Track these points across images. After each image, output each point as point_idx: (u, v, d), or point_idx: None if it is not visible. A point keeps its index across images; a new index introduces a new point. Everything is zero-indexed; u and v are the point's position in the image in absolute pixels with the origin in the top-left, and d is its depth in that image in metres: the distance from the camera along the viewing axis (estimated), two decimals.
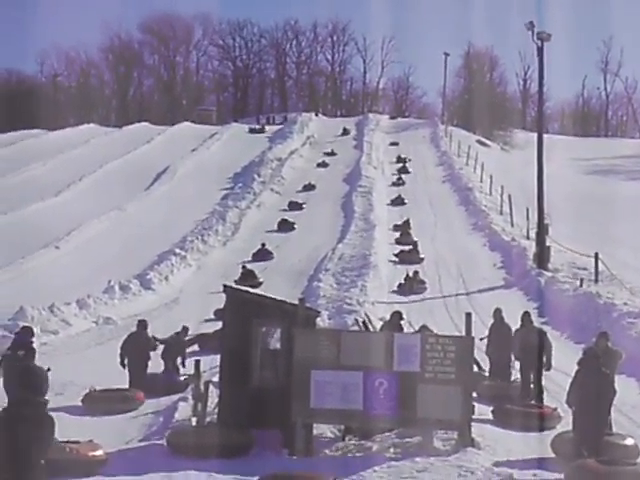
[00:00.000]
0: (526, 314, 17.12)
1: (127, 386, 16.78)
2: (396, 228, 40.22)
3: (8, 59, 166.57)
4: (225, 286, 14.28)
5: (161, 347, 18.16)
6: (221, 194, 49.19)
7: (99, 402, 15.46)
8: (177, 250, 35.62)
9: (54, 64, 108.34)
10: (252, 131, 75.22)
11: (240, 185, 50.89)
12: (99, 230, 40.65)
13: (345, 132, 74.36)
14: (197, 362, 14.62)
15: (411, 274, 30.15)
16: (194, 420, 13.52)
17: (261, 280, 30.54)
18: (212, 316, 24.32)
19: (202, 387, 13.80)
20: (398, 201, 47.47)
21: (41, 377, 6.80)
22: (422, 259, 33.78)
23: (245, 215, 44.01)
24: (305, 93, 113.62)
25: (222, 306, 15.59)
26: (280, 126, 78.13)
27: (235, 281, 29.96)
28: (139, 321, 18.31)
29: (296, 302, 13.67)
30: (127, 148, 62.12)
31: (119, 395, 16.04)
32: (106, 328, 25.04)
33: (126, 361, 17.23)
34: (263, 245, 36.00)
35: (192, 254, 35.93)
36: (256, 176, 52.39)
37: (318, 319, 16.08)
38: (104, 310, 26.54)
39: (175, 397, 15.84)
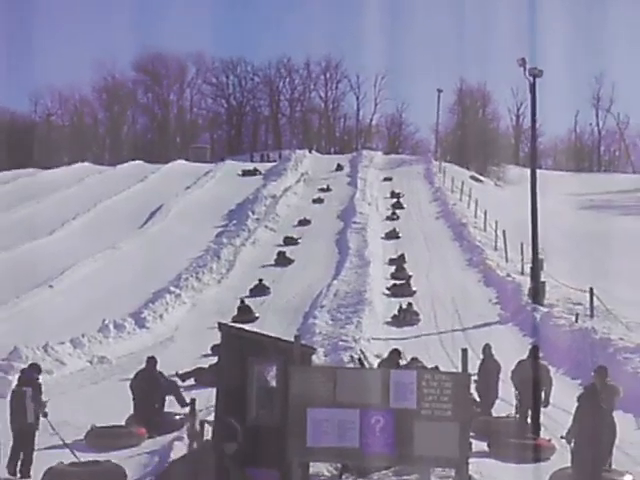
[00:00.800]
0: (535, 348, 17.17)
1: (128, 422, 16.79)
2: (391, 262, 40.68)
3: (2, 98, 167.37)
4: (220, 324, 14.25)
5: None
6: (215, 231, 49.24)
7: (102, 438, 15.43)
8: (172, 288, 35.62)
9: (48, 103, 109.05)
10: (245, 173, 71.56)
11: (234, 222, 50.95)
12: (93, 269, 40.64)
13: (339, 168, 74.81)
14: (192, 401, 14.58)
15: (405, 306, 30.35)
16: (190, 460, 13.42)
17: (257, 315, 31.15)
18: (209, 352, 24.34)
19: (198, 426, 13.75)
20: (392, 234, 47.84)
21: None
22: (414, 292, 34.22)
23: (240, 252, 44.05)
24: (299, 130, 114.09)
25: (218, 342, 15.61)
26: (274, 163, 78.33)
27: (233, 317, 30.73)
28: (148, 358, 18.32)
29: (292, 339, 13.66)
30: (121, 186, 62.25)
31: (121, 431, 15.98)
32: (101, 367, 24.99)
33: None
34: (260, 280, 36.31)
35: (187, 292, 35.93)
36: (250, 213, 52.48)
37: (314, 356, 16.07)
38: (99, 349, 26.50)
39: (170, 436, 15.81)
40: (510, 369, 17.16)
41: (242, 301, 32.53)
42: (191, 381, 22.41)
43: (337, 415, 12.40)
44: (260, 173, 70.98)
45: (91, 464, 13.70)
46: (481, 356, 18.26)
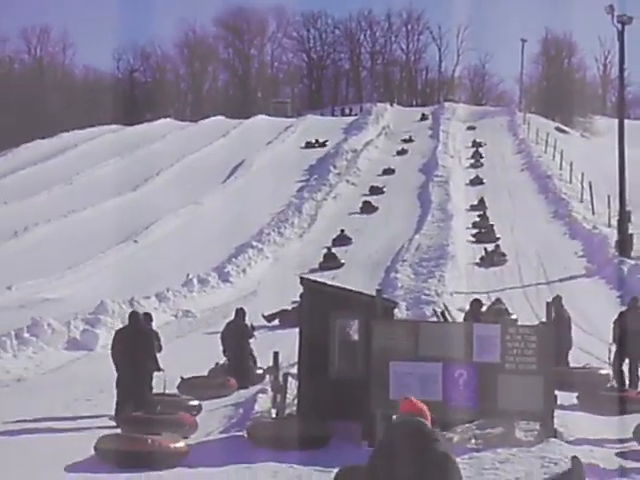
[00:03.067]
0: (635, 299, 16.88)
1: (212, 373, 17.12)
2: (473, 208, 41.67)
3: (86, 56, 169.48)
4: (302, 278, 14.30)
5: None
6: (297, 186, 49.39)
7: (195, 388, 15.72)
8: (254, 243, 35.91)
9: (130, 60, 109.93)
10: (308, 145, 62.81)
11: (316, 177, 51.02)
12: (177, 224, 41.16)
13: (423, 117, 75.31)
14: (275, 354, 14.70)
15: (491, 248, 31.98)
16: (273, 412, 13.61)
17: (343, 261, 32.95)
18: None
19: (281, 379, 13.88)
20: (476, 181, 48.71)
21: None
22: (498, 238, 34.78)
23: (321, 207, 44.14)
24: (380, 83, 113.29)
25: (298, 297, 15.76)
26: (355, 117, 77.96)
27: (319, 263, 32.86)
28: (237, 309, 18.59)
29: (373, 293, 13.66)
30: (203, 142, 62.70)
31: (214, 381, 16.40)
32: (185, 321, 25.37)
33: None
34: (342, 231, 37.26)
35: (269, 246, 36.20)
36: (332, 168, 52.44)
37: (396, 310, 16.05)
38: (183, 303, 26.90)
39: (254, 389, 16.01)
40: (595, 321, 16.95)
41: (329, 249, 34.11)
42: (276, 322, 23.94)
43: (420, 369, 12.41)
44: (325, 145, 62.13)
45: None
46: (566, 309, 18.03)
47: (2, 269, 32.17)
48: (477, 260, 32.28)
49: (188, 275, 29.74)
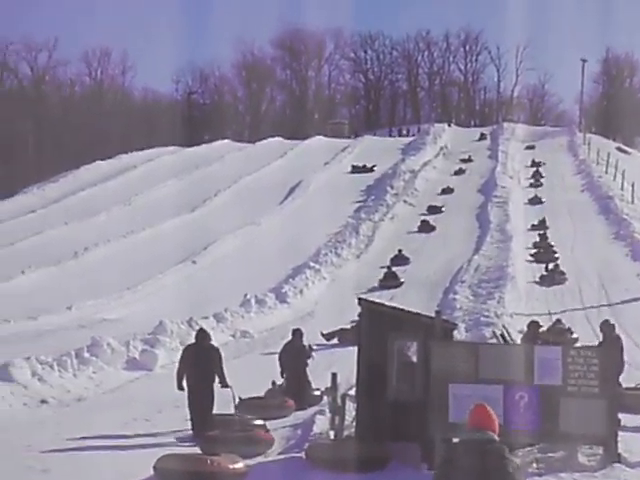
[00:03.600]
0: None
1: (269, 394, 17.17)
2: (533, 228, 41.76)
3: (145, 78, 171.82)
4: (360, 299, 14.28)
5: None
6: (354, 207, 49.41)
7: (253, 409, 15.77)
8: (311, 264, 35.99)
9: (189, 82, 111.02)
10: (355, 170, 60.97)
11: (373, 198, 51.01)
12: (234, 245, 41.39)
13: (482, 137, 75.28)
14: (334, 375, 14.66)
15: (551, 266, 32.26)
16: (332, 434, 13.57)
17: (402, 280, 33.47)
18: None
19: (339, 400, 13.84)
20: (536, 200, 49.05)
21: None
22: (557, 258, 34.83)
23: (378, 227, 44.12)
24: (438, 104, 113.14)
25: (357, 316, 15.74)
26: (412, 138, 77.89)
27: (379, 280, 33.46)
28: (294, 330, 18.62)
29: (432, 314, 13.59)
30: (261, 163, 63.05)
31: (273, 402, 16.45)
32: (243, 341, 25.47)
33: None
34: (400, 251, 37.58)
35: (326, 267, 36.26)
36: (389, 188, 52.41)
37: (455, 332, 15.95)
38: (241, 324, 27.00)
39: (312, 410, 15.99)
40: None
41: (389, 267, 34.65)
42: (335, 340, 24.43)
43: (480, 391, 12.29)
44: (373, 170, 60.36)
45: None
46: (629, 332, 17.79)
47: (62, 289, 32.60)
48: (537, 279, 32.03)
49: (246, 296, 29.87)
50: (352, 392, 14.19)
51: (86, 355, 20.17)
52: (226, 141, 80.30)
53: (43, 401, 17.21)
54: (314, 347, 19.50)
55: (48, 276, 35.16)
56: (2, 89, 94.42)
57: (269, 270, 35.39)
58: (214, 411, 14.28)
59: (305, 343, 18.40)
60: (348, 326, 24.08)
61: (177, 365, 14.65)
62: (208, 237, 41.14)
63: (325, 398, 15.98)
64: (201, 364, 14.18)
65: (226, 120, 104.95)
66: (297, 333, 18.37)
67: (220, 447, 12.31)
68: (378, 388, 12.99)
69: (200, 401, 14.03)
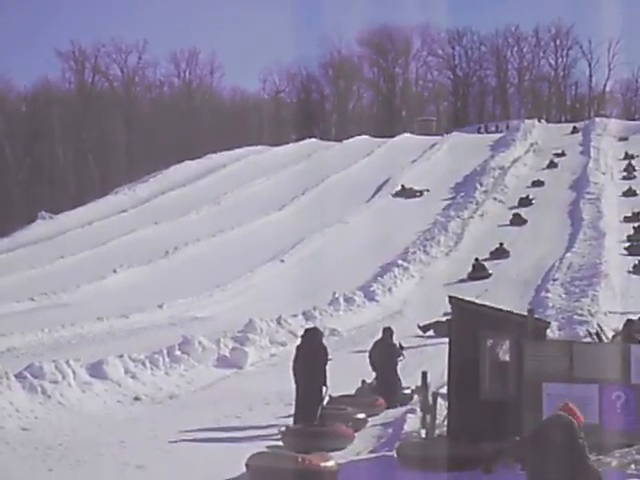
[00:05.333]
0: None
1: (359, 392, 17.27)
2: (627, 219, 41.94)
3: (233, 78, 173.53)
4: (450, 297, 14.20)
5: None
6: (443, 204, 49.20)
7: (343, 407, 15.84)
8: (400, 262, 35.94)
9: (276, 81, 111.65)
10: (399, 194, 52.84)
11: (462, 195, 50.72)
12: (322, 243, 41.53)
13: (575, 131, 75.28)
14: (424, 374, 14.59)
15: None
16: (423, 432, 13.52)
17: (491, 272, 34.36)
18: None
19: (430, 399, 13.77)
20: (629, 193, 48.74)
21: None
22: None
23: (468, 225, 43.84)
24: (528, 100, 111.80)
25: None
26: (502, 134, 77.19)
27: (468, 273, 34.43)
28: (385, 328, 18.65)
29: (524, 312, 13.44)
30: (348, 161, 63.11)
31: (364, 401, 16.47)
32: (332, 339, 25.49)
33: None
34: (501, 244, 38.34)
35: (415, 265, 36.19)
36: (478, 185, 52.07)
37: (548, 330, 15.75)
38: (329, 321, 27.08)
39: (403, 409, 15.96)
40: None
41: (477, 259, 35.36)
42: (431, 332, 25.32)
43: (575, 390, 12.12)
44: (422, 194, 52.82)
45: None
46: None
47: (154, 288, 33.13)
48: (631, 269, 32.06)
49: (334, 294, 29.96)
50: (443, 391, 14.10)
51: (177, 353, 20.45)
52: (313, 140, 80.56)
53: (136, 398, 17.48)
54: (404, 345, 19.43)
55: (139, 275, 35.77)
56: (94, 91, 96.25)
57: (357, 268, 35.44)
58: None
59: (395, 342, 18.37)
60: (443, 319, 24.22)
61: (293, 362, 14.90)
62: (296, 235, 41.36)
63: (416, 397, 15.93)
64: (311, 361, 14.44)
65: (313, 118, 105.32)
66: (387, 332, 18.35)
67: (299, 441, 12.57)
68: (470, 387, 12.90)
69: (308, 398, 14.24)
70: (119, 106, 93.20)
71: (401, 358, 18.18)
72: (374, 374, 17.69)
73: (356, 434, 14.46)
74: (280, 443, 13.44)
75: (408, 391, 17.50)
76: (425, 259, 37.57)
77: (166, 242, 40.75)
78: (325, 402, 15.94)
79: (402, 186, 53.68)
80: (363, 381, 17.55)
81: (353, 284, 32.26)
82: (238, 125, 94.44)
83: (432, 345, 22.75)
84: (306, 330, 15.42)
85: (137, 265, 36.83)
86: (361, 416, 15.15)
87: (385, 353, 17.79)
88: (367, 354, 18.05)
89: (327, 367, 14.64)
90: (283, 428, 13.77)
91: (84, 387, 17.04)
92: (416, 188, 53.02)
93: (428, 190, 52.88)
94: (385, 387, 17.24)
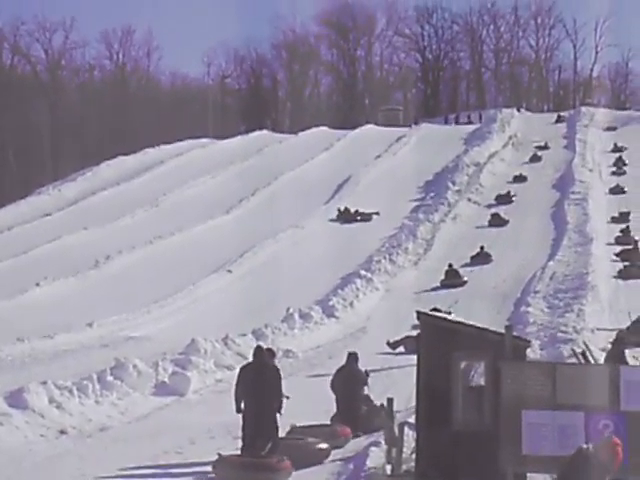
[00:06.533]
0: None
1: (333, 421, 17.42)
2: (614, 220, 43.35)
3: (172, 61, 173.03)
4: (418, 312, 14.30)
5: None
6: (411, 206, 49.41)
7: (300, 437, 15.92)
8: (362, 272, 36.05)
9: (222, 64, 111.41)
10: (341, 217, 48.39)
11: (432, 195, 50.99)
12: (275, 251, 41.56)
13: (559, 119, 77.26)
14: (389, 401, 14.68)
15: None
16: (388, 468, 13.59)
17: (465, 279, 35.19)
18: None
19: (396, 430, 13.85)
20: (617, 190, 50.14)
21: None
22: None
23: (439, 230, 44.08)
24: (505, 86, 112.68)
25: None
26: (476, 126, 77.72)
27: (441, 280, 35.07)
28: (349, 354, 18.70)
29: (501, 330, 13.56)
30: (304, 157, 63.21)
31: (325, 430, 16.57)
32: (286, 362, 25.54)
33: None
34: (482, 248, 39.09)
35: (379, 276, 36.33)
36: (450, 184, 52.33)
37: (528, 350, 15.91)
38: (283, 342, 27.11)
39: (365, 441, 16.03)
40: None
41: (450, 265, 36.03)
42: (401, 349, 25.95)
43: (558, 419, 12.25)
44: (370, 218, 47.91)
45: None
46: None
47: (82, 303, 32.95)
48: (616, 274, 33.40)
49: (288, 309, 29.98)
50: (411, 420, 14.19)
51: (109, 379, 20.37)
52: (264, 132, 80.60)
53: (62, 431, 17.43)
54: (369, 370, 19.54)
55: (66, 288, 35.58)
56: (13, 75, 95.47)
57: (315, 280, 35.50)
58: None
59: (360, 368, 18.44)
60: (414, 333, 24.22)
61: (234, 387, 14.89)
62: (245, 242, 41.32)
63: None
64: (257, 385, 14.46)
65: (264, 108, 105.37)
66: (352, 357, 18.41)
67: (231, 473, 13.09)
68: (441, 416, 12.99)
69: (253, 425, 14.27)
70: (42, 93, 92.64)
71: (366, 388, 18.25)
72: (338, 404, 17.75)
73: (312, 469, 14.52)
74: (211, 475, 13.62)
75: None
76: (391, 269, 37.69)
77: (96, 250, 40.52)
78: (287, 431, 16.04)
79: (341, 211, 48.65)
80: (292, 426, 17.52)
81: (310, 298, 32.30)
82: (179, 115, 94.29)
83: (399, 367, 22.83)
84: (255, 349, 15.44)
85: (63, 277, 36.61)
86: (323, 446, 15.26)
87: (349, 381, 17.83)
88: (329, 383, 18.07)
89: (282, 392, 14.72)
90: (216, 457, 13.88)
91: (1, 419, 16.97)
92: (363, 210, 48.15)
93: (377, 212, 48.07)
94: (349, 418, 17.29)
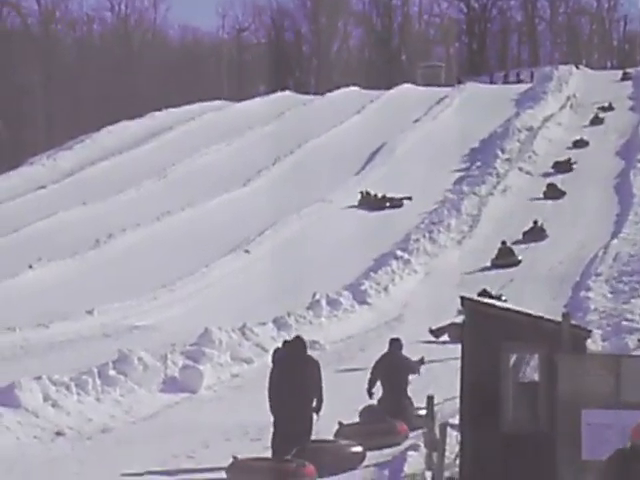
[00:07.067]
0: None
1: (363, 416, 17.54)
2: None
3: (182, 13, 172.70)
4: (463, 298, 14.29)
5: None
6: (454, 177, 49.41)
7: (358, 436, 16.00)
8: (398, 252, 36.07)
9: (238, 16, 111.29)
10: (364, 203, 45.99)
11: (478, 164, 50.97)
12: (297, 228, 41.61)
13: (625, 77, 76.64)
14: (430, 399, 14.69)
15: None
16: (429, 475, 13.63)
17: (520, 258, 35.79)
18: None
19: (437, 432, 13.87)
20: None
21: None
22: None
23: (486, 204, 44.02)
24: (562, 39, 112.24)
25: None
26: (529, 85, 77.54)
27: (492, 260, 35.71)
28: (392, 340, 18.77)
29: (558, 318, 13.54)
30: (331, 121, 63.16)
31: (381, 427, 16.80)
32: (312, 354, 25.58)
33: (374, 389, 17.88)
34: (535, 223, 39.46)
35: (418, 257, 36.36)
36: (499, 152, 52.29)
37: (589, 341, 15.88)
38: (308, 331, 27.05)
39: (404, 445, 16.07)
40: None
41: (503, 242, 36.64)
42: (445, 337, 26.07)
43: (622, 419, 12.23)
44: (401, 204, 45.74)
45: None
46: None
47: (81, 288, 33.10)
48: None
49: (314, 295, 30.01)
50: (455, 420, 14.20)
51: (112, 373, 20.46)
52: (287, 93, 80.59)
53: (58, 433, 17.52)
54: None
55: (63, 271, 35.74)
56: (2, 30, 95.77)
57: (344, 262, 35.53)
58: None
59: (406, 355, 18.55)
60: (459, 319, 24.28)
61: (268, 382, 14.98)
62: (265, 219, 41.38)
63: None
64: (299, 382, 14.58)
65: (287, 65, 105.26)
66: (395, 344, 18.49)
67: (246, 477, 13.38)
68: (488, 415, 13.00)
69: (295, 429, 14.44)
70: (35, 49, 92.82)
71: (415, 375, 18.37)
72: (370, 400, 17.82)
73: (341, 476, 14.56)
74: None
75: (423, 413, 17.67)
76: (431, 249, 37.67)
77: (97, 228, 40.71)
78: (335, 430, 16.20)
79: (363, 193, 46.57)
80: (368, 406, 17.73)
81: (339, 282, 32.30)
82: (189, 74, 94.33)
83: (440, 360, 22.84)
84: (293, 340, 15.57)
85: (59, 258, 36.77)
86: (356, 450, 15.33)
87: (394, 370, 17.92)
88: (369, 371, 18.15)
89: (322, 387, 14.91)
90: (231, 459, 14.01)
91: None
92: (392, 196, 45.81)
93: (410, 197, 45.80)
94: (393, 412, 17.38)
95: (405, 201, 45.63)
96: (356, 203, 46.12)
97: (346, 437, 16.18)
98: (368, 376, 17.99)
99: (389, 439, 16.67)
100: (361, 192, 46.61)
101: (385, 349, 18.61)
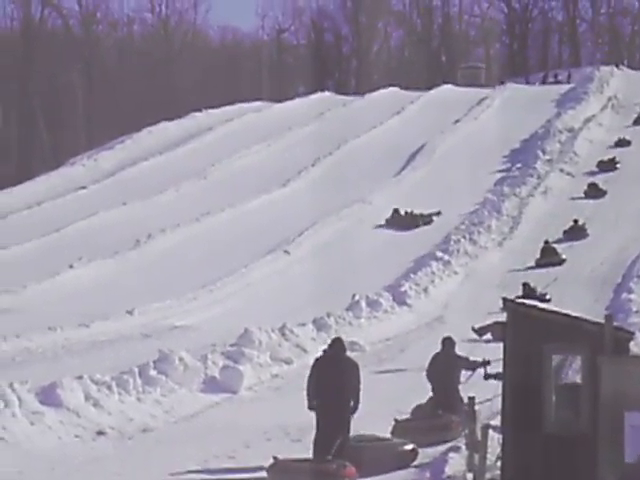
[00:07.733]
0: None
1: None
2: None
3: (222, 14, 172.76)
4: (505, 300, 14.29)
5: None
6: (494, 178, 49.27)
7: (411, 433, 16.04)
8: (438, 254, 36.06)
9: (278, 17, 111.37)
10: (392, 223, 43.07)
11: (519, 165, 50.82)
12: (338, 229, 41.60)
13: None
14: (471, 400, 14.68)
15: None
16: (470, 477, 13.60)
17: (564, 257, 36.02)
18: None
19: (479, 433, 13.84)
20: None
21: None
22: None
23: (527, 205, 43.92)
24: (604, 40, 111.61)
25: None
26: (570, 86, 77.21)
27: (536, 259, 35.88)
28: (444, 338, 18.76)
29: (601, 319, 13.48)
30: (371, 122, 63.11)
31: (438, 422, 16.97)
32: (351, 356, 25.58)
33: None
34: (576, 222, 39.56)
35: (458, 258, 36.34)
36: (540, 153, 52.14)
37: (632, 343, 15.80)
38: (348, 332, 27.10)
39: (444, 446, 16.04)
40: None
41: (546, 241, 37.00)
42: (488, 336, 25.98)
43: None
44: (430, 220, 43.65)
45: None
46: None
47: (121, 288, 33.23)
48: None
49: (354, 296, 30.02)
50: (497, 422, 14.16)
51: (152, 373, 20.52)
52: (327, 94, 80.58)
53: (100, 432, 17.59)
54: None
55: (103, 271, 35.89)
56: (43, 30, 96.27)
57: (384, 263, 35.51)
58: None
59: (461, 354, 18.58)
60: (502, 318, 24.22)
61: (306, 381, 15.07)
62: (305, 219, 41.40)
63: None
64: (339, 382, 14.64)
65: (327, 66, 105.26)
66: (448, 342, 18.47)
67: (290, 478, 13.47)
68: (530, 417, 12.96)
69: (332, 429, 14.53)
70: (76, 50, 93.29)
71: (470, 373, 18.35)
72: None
73: (381, 477, 14.56)
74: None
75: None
76: (471, 250, 37.64)
77: (137, 229, 40.84)
78: (391, 428, 16.27)
79: (394, 210, 43.82)
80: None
81: (378, 283, 32.31)
82: (229, 75, 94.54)
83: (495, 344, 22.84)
84: (332, 341, 15.63)
85: (100, 258, 36.93)
86: (408, 448, 15.41)
87: (449, 369, 17.94)
88: (425, 372, 18.15)
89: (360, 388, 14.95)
90: (272, 460, 14.08)
91: (33, 418, 17.13)
92: (419, 212, 43.59)
93: (439, 212, 43.90)
94: (446, 408, 17.39)
95: (431, 223, 42.67)
96: (395, 205, 44.56)
97: (402, 434, 16.24)
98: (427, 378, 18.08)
99: (445, 434, 16.75)
100: (394, 210, 43.63)
101: (424, 350, 18.63)
